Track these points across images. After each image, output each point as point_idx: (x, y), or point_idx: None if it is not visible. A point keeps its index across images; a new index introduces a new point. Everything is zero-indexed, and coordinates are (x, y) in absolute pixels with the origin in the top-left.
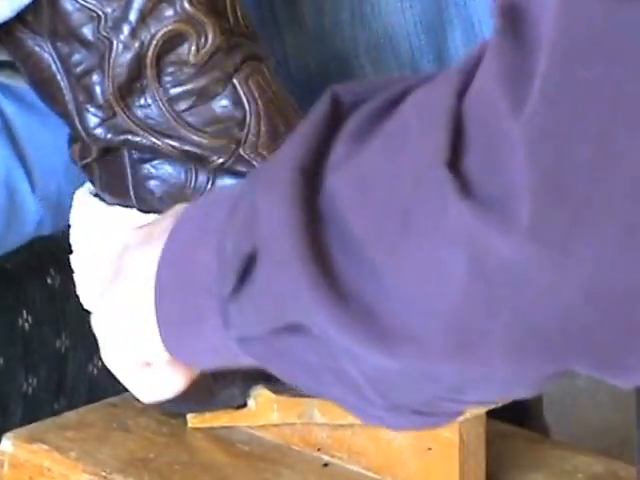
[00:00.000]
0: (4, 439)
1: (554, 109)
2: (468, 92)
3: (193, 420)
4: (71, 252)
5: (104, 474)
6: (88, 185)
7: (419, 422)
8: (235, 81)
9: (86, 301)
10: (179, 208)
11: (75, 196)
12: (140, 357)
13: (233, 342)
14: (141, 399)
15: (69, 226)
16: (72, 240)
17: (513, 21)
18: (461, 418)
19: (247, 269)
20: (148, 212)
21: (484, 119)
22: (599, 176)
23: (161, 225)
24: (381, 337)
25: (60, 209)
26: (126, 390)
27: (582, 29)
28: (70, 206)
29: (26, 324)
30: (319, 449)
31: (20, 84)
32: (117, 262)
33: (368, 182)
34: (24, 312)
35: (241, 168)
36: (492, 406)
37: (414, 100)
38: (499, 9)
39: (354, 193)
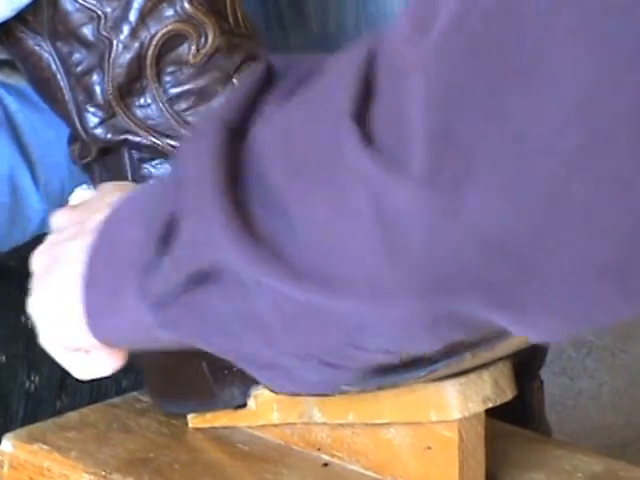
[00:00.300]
0: (4, 439)
1: (450, 60)
2: (377, 47)
3: (193, 420)
4: None
5: (104, 474)
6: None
7: (329, 376)
8: (235, 81)
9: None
10: (110, 200)
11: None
12: (71, 342)
13: (148, 312)
14: (78, 377)
15: None
16: None
17: None
18: (459, 417)
19: (168, 234)
20: None
21: (389, 72)
22: (488, 129)
23: (94, 218)
24: (290, 271)
25: (64, 206)
26: (128, 390)
27: None
28: None
29: (29, 321)
30: (319, 449)
31: (21, 83)
32: (53, 250)
33: (285, 132)
34: (27, 310)
35: None
36: (395, 358)
37: (333, 61)
38: None
39: (273, 143)
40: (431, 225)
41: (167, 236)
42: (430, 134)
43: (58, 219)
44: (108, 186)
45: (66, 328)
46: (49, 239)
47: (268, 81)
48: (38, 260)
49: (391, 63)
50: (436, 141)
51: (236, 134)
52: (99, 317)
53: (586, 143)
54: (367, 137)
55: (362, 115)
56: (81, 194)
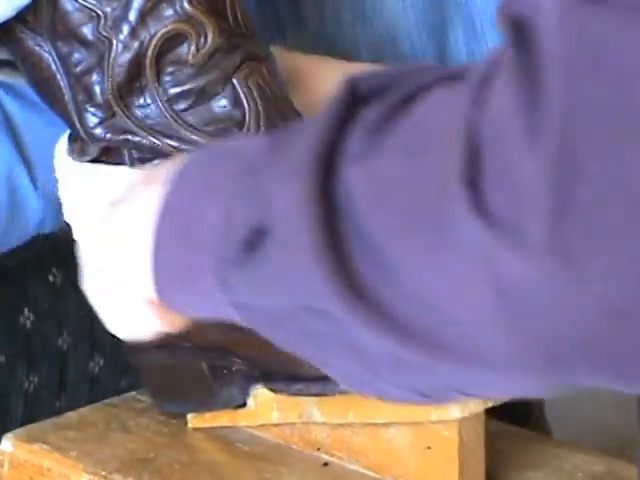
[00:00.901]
0: (4, 439)
1: (566, 129)
2: (484, 108)
3: (193, 420)
4: (73, 250)
5: (104, 474)
6: (65, 140)
7: (419, 400)
8: (234, 81)
9: (78, 230)
10: (186, 156)
11: (56, 149)
12: (124, 292)
13: (228, 305)
14: (113, 332)
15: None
16: (61, 192)
17: (520, 34)
18: (459, 416)
19: (254, 242)
20: None
21: (500, 138)
22: (610, 192)
23: (167, 168)
24: (396, 332)
25: (61, 207)
26: (126, 390)
27: (589, 46)
28: None
29: (27, 322)
30: (319, 448)
31: (19, 82)
32: (121, 196)
33: (386, 184)
34: (25, 310)
35: None
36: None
37: (432, 104)
38: (504, 21)
39: (372, 192)
40: (553, 294)
41: (253, 246)
42: (549, 202)
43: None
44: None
45: (125, 276)
46: (122, 192)
47: (353, 104)
48: (109, 207)
49: (500, 127)
50: (556, 208)
51: (327, 169)
52: (168, 286)
53: None
54: (477, 202)
55: (470, 177)
56: (60, 147)
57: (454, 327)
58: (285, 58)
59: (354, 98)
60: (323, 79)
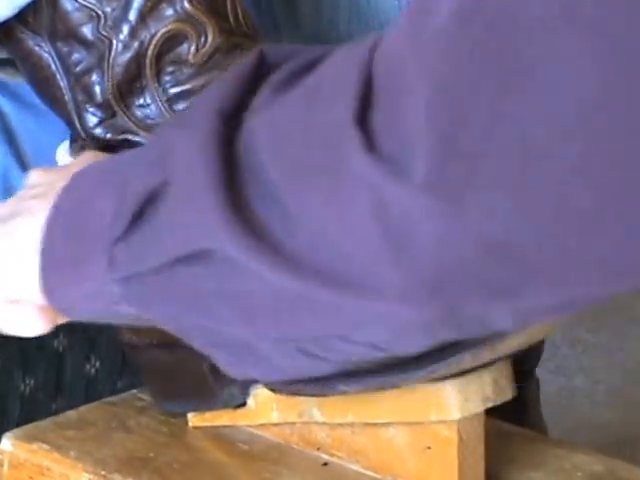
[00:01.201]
0: (4, 439)
1: (452, 66)
2: (376, 52)
3: (193, 419)
4: None
5: (104, 473)
6: (67, 143)
7: (302, 364)
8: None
9: None
10: (92, 154)
11: (58, 152)
12: (11, 293)
13: (115, 285)
14: (2, 331)
15: None
16: None
17: None
18: (459, 417)
19: (145, 207)
20: None
21: (389, 73)
22: (491, 133)
23: (63, 176)
24: (288, 263)
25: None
26: (123, 391)
27: None
28: None
29: None
30: (319, 448)
31: (16, 83)
32: (17, 204)
33: (284, 128)
34: None
35: None
36: (377, 356)
37: (332, 58)
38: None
39: (271, 137)
40: (435, 230)
41: (143, 212)
42: (432, 139)
43: (32, 177)
44: (90, 153)
45: (12, 278)
46: (17, 194)
47: (261, 70)
48: (1, 211)
49: (391, 66)
50: (439, 146)
51: (229, 122)
52: (57, 283)
53: (589, 147)
54: (369, 142)
55: (363, 119)
56: (63, 151)
57: (345, 260)
58: None
59: (261, 63)
60: None
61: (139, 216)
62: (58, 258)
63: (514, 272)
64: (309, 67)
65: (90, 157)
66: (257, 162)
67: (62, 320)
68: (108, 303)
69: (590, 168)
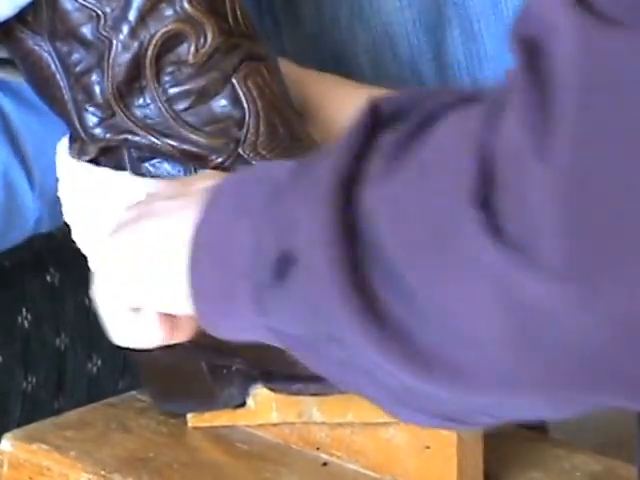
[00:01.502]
0: (3, 439)
1: (579, 149)
2: (497, 130)
3: (192, 420)
4: (71, 250)
5: (103, 473)
6: (67, 141)
7: (450, 425)
8: (234, 81)
9: (85, 241)
10: (210, 174)
11: (58, 149)
12: (135, 300)
13: (265, 329)
14: (115, 341)
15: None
16: (62, 192)
17: (532, 56)
18: None
19: (283, 268)
20: None
21: (513, 160)
22: (626, 214)
23: (194, 185)
24: (416, 360)
25: (59, 206)
26: (124, 391)
27: (602, 66)
28: None
29: (25, 322)
30: (318, 448)
31: (18, 82)
32: (142, 207)
33: (402, 207)
34: (23, 310)
35: (240, 167)
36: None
37: (447, 128)
38: (517, 42)
39: (389, 216)
40: (572, 317)
41: (281, 272)
42: (564, 225)
43: (154, 186)
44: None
45: (146, 286)
46: (142, 200)
47: (374, 127)
48: (128, 212)
49: (509, 147)
50: (569, 227)
51: (349, 193)
52: (210, 313)
53: None
54: (491, 224)
55: (483, 198)
56: (62, 151)
57: (473, 352)
58: (298, 78)
59: (374, 123)
60: (338, 105)
61: (280, 274)
62: (207, 286)
63: None
64: (423, 127)
65: (207, 175)
66: (377, 243)
67: (182, 336)
68: (261, 337)
69: None
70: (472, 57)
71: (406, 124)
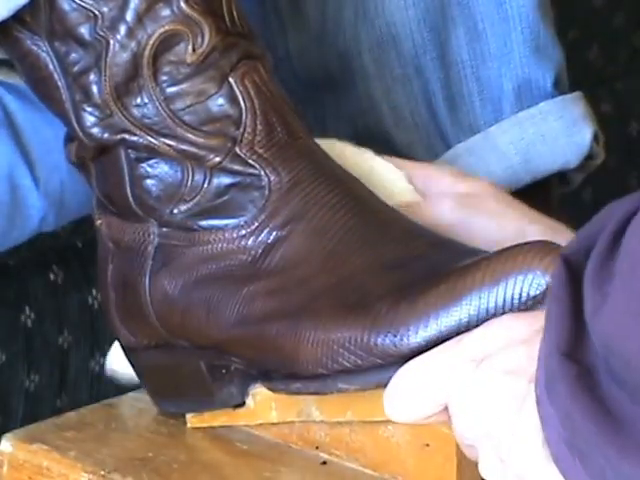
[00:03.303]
0: (3, 440)
1: None
2: None
3: (192, 420)
4: (75, 248)
5: (103, 473)
6: None
7: None
8: (231, 80)
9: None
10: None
11: None
12: (510, 363)
13: None
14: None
15: (72, 222)
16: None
17: None
18: None
19: None
20: (146, 212)
21: None
22: None
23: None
24: None
25: (63, 205)
26: (127, 389)
27: None
28: (73, 202)
29: (28, 320)
30: (317, 447)
31: (20, 82)
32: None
33: (624, 335)
34: (26, 308)
35: (237, 167)
36: None
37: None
38: None
39: (621, 336)
40: None
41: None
42: None
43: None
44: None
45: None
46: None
47: (573, 278)
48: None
49: None
50: None
51: (572, 361)
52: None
53: None
54: None
55: None
56: None
57: None
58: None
59: (570, 271)
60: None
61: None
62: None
63: None
64: (612, 247)
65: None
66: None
67: None
68: None
69: None
70: (476, 56)
71: (598, 249)
